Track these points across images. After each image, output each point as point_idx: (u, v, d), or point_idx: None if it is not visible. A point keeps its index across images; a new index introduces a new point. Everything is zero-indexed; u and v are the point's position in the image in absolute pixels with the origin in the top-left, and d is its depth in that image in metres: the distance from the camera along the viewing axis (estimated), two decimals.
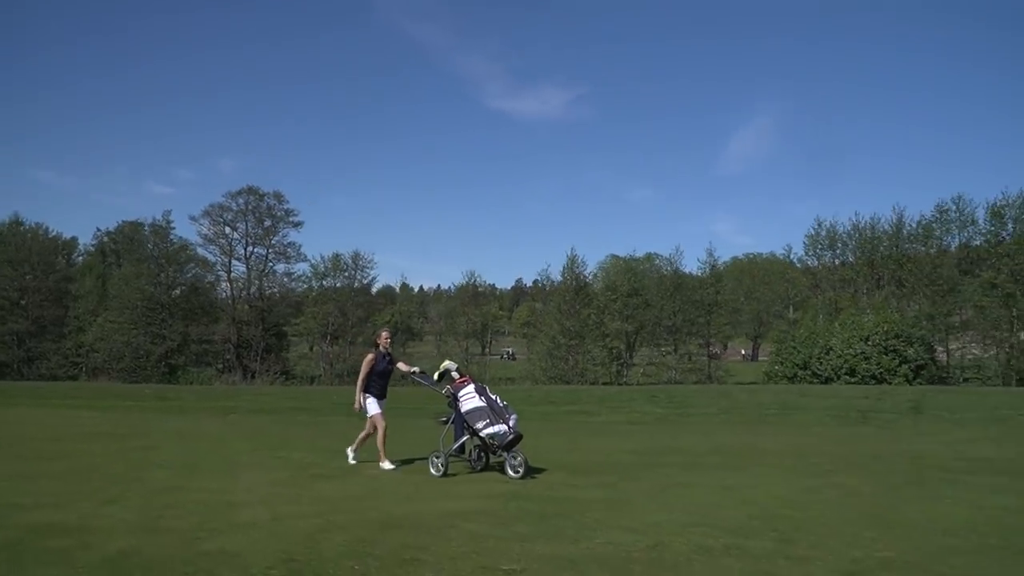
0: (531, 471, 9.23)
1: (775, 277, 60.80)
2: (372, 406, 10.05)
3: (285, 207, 63.47)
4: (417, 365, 11.06)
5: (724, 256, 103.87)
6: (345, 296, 60.53)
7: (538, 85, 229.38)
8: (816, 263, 55.58)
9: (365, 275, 63.23)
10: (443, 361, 10.29)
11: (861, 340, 46.32)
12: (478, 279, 65.99)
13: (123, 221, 78.86)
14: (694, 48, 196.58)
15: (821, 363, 47.63)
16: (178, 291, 63.24)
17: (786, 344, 51.38)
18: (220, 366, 60.16)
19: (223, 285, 64.12)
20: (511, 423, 9.11)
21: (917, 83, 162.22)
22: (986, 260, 48.33)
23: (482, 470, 9.72)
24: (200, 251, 63.47)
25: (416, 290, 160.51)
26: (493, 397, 9.34)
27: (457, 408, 9.45)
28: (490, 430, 9.11)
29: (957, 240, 50.65)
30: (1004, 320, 46.20)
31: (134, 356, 57.80)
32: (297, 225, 63.82)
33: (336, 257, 62.75)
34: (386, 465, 9.93)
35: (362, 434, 10.49)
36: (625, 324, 55.63)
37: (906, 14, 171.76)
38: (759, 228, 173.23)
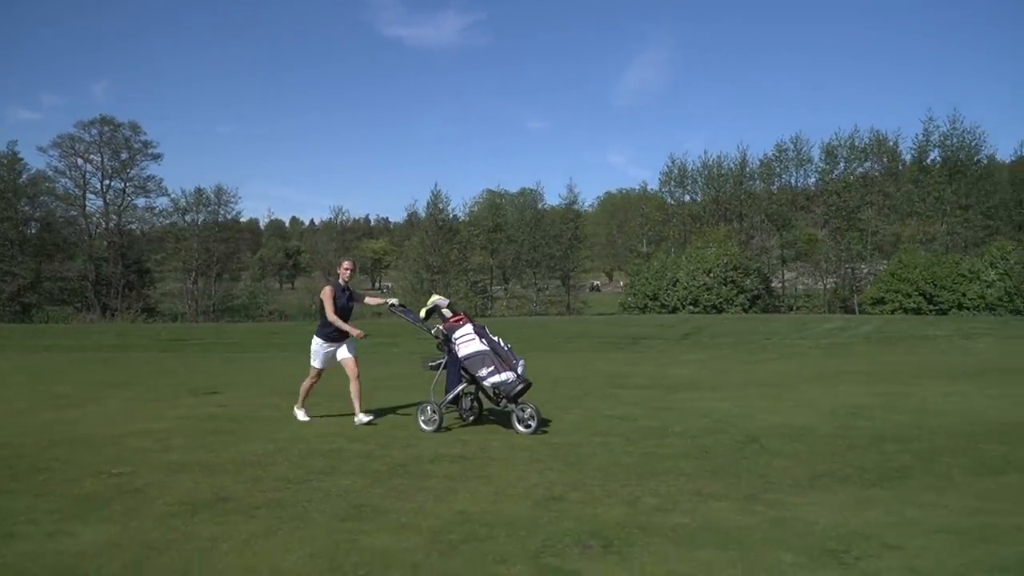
0: (543, 423, 8.09)
1: (635, 212, 63.27)
2: (317, 358, 8.86)
3: (143, 138, 61.24)
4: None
5: (611, 188, 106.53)
6: (207, 231, 59.35)
7: (433, 11, 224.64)
8: (670, 199, 58.12)
9: (229, 209, 62.04)
10: (431, 297, 8.78)
11: (704, 272, 49.28)
12: (345, 213, 65.61)
13: None
14: None
15: (668, 294, 50.51)
16: (28, 227, 60.52)
17: (639, 276, 54.08)
18: (78, 304, 58.52)
19: (78, 220, 61.53)
20: (519, 370, 8.04)
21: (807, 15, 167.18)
22: (819, 196, 51.84)
23: (474, 421, 8.63)
24: (51, 185, 60.67)
25: (307, 223, 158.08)
26: (495, 339, 8.22)
27: (451, 351, 8.26)
28: (495, 378, 7.94)
29: (795, 177, 53.96)
30: (832, 253, 49.94)
31: None
32: (156, 157, 61.80)
33: (199, 191, 61.46)
34: (303, 416, 8.97)
35: (354, 387, 8.79)
36: (489, 259, 57.10)
37: None
38: (652, 161, 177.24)
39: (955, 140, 47.55)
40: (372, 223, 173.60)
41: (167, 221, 63.15)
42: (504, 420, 8.35)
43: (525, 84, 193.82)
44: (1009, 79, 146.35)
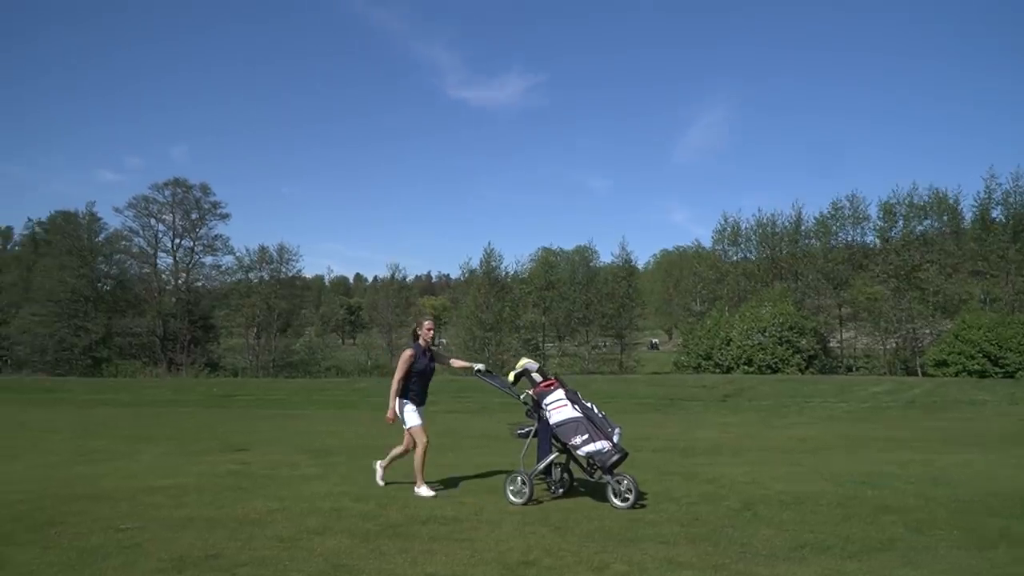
0: (641, 496, 7.55)
1: (689, 270, 62.98)
2: (411, 415, 8.21)
3: (212, 199, 63.90)
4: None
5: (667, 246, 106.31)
6: (269, 289, 61.22)
7: (497, 74, 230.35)
8: (723, 257, 57.71)
9: (291, 267, 63.95)
10: (520, 361, 8.28)
11: (758, 331, 48.51)
12: (402, 271, 66.95)
13: (56, 211, 78.41)
14: (652, 38, 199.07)
15: (722, 353, 49.78)
16: (103, 284, 63.47)
17: (692, 335, 53.52)
18: (146, 359, 60.69)
19: (150, 278, 64.18)
20: (615, 438, 7.54)
21: (873, 80, 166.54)
22: (878, 255, 50.81)
23: (564, 494, 8.02)
24: (126, 244, 63.70)
25: (370, 280, 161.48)
26: (589, 405, 7.75)
27: (541, 418, 7.81)
28: (590, 447, 7.44)
29: (851, 235, 53.09)
30: (891, 313, 48.70)
31: (57, 349, 58.09)
32: (224, 217, 64.35)
33: (262, 249, 63.62)
34: (423, 491, 8.16)
35: (398, 449, 8.62)
36: (542, 316, 57.34)
37: (858, 15, 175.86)
38: (714, 218, 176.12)
39: (1018, 198, 46.32)
40: (434, 279, 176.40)
41: (232, 278, 65.42)
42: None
43: (586, 143, 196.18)
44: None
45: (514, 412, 9.00)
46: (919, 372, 47.14)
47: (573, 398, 7.74)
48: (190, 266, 64.13)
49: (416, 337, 8.47)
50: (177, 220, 63.26)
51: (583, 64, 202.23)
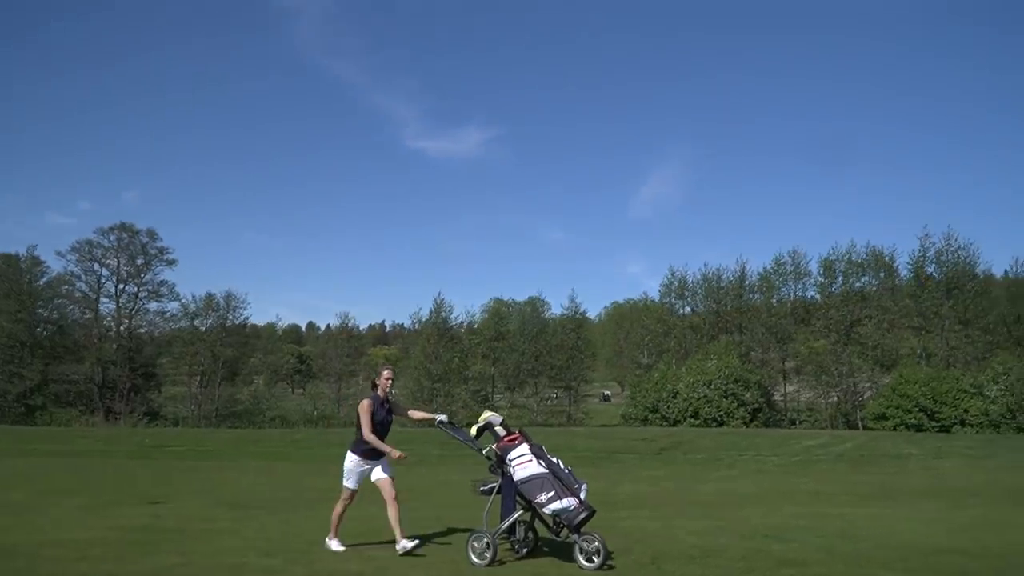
0: (609, 556, 7.22)
1: (636, 323, 63.70)
2: (349, 473, 8.10)
3: (158, 244, 62.97)
4: None
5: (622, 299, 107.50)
6: (214, 336, 60.22)
7: (456, 126, 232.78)
8: (671, 311, 58.47)
9: (238, 315, 63.03)
10: (483, 414, 8.15)
11: (704, 384, 49.07)
12: (351, 320, 66.43)
13: None
14: (607, 92, 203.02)
15: (669, 406, 50.16)
16: (42, 329, 61.81)
17: (639, 388, 53.90)
18: (82, 407, 58.91)
19: (91, 323, 62.65)
20: (582, 495, 7.29)
21: (830, 130, 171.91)
22: (819, 310, 52.07)
23: (528, 553, 7.71)
24: (68, 288, 62.25)
25: (323, 329, 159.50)
26: (554, 460, 7.51)
27: (505, 474, 7.55)
28: (555, 505, 7.17)
29: (793, 291, 54.40)
30: (832, 367, 49.77)
31: None
32: (171, 263, 63.38)
33: (209, 296, 62.60)
34: (337, 545, 8.10)
35: (391, 511, 8.05)
36: (491, 367, 57.30)
37: (812, 64, 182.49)
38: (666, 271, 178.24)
39: (950, 256, 48.07)
40: (387, 329, 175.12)
41: (177, 325, 64.14)
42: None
43: (543, 196, 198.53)
44: (1000, 195, 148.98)
45: (479, 465, 8.47)
46: (860, 425, 48.04)
47: (538, 453, 7.51)
48: (133, 312, 62.81)
49: (374, 387, 8.23)
50: (121, 265, 62.14)
51: (542, 117, 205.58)
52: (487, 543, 7.32)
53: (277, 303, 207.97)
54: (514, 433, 7.80)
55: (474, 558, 7.35)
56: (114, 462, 20.47)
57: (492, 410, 8.40)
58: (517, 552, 7.69)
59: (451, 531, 9.15)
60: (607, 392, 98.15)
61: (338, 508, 8.11)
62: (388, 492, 7.98)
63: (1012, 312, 47.59)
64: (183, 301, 62.71)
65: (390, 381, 8.21)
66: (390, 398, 8.23)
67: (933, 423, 43.14)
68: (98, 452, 24.27)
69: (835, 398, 51.67)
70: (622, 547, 8.26)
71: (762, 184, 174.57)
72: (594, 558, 7.05)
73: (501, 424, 7.90)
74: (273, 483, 15.02)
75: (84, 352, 61.45)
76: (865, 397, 49.89)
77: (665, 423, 49.13)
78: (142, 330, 63.62)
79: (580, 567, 7.09)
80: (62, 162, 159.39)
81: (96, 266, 61.70)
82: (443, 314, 55.62)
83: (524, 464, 7.40)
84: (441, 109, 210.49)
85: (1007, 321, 47.54)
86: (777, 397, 53.63)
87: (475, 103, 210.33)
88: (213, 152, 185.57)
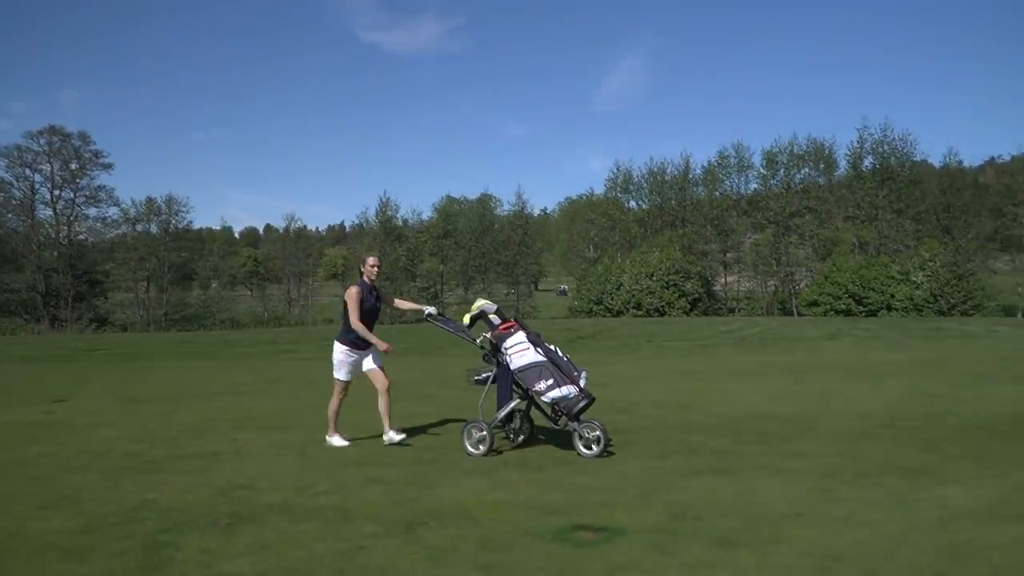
0: (608, 444, 7.03)
1: (582, 218, 64.28)
2: (340, 365, 7.81)
3: (92, 148, 61.31)
4: None
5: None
6: (158, 241, 59.59)
7: (412, 15, 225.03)
8: (625, 206, 58.99)
9: (181, 219, 62.23)
10: (476, 302, 7.74)
11: (647, 276, 50.21)
12: (297, 221, 65.98)
13: None
14: None
15: (613, 298, 51.36)
16: None
17: (585, 281, 54.93)
18: (27, 316, 58.42)
19: (28, 231, 61.39)
20: (581, 382, 7.07)
21: (788, 25, 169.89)
22: (759, 203, 52.98)
23: (523, 442, 7.55)
24: (1, 196, 60.59)
25: (282, 230, 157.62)
26: (552, 348, 7.27)
27: (501, 363, 7.31)
28: (555, 393, 6.91)
29: (736, 183, 55.11)
30: (770, 257, 51.10)
31: None
32: (107, 167, 61.93)
33: (150, 201, 61.68)
34: (339, 441, 7.80)
35: (382, 402, 7.75)
36: (440, 265, 57.73)
37: None
38: (632, 165, 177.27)
39: (887, 147, 48.88)
40: (347, 229, 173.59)
41: (117, 231, 63.25)
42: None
43: (505, 90, 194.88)
44: (940, 86, 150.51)
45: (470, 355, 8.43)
46: (795, 312, 49.79)
47: (535, 340, 7.21)
48: (72, 218, 61.70)
49: (360, 274, 7.90)
50: (55, 170, 60.62)
51: (503, 5, 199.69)
52: (483, 432, 7.13)
53: (233, 206, 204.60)
54: (509, 321, 7.47)
55: (470, 448, 7.15)
56: (36, 366, 20.64)
57: (485, 298, 7.90)
58: (512, 441, 7.51)
59: (445, 421, 9.04)
60: (563, 287, 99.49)
61: (333, 403, 7.83)
62: (380, 382, 7.72)
63: (943, 201, 48.86)
64: (123, 206, 61.66)
65: (376, 268, 7.91)
66: (376, 286, 7.92)
67: (861, 308, 44.90)
68: (29, 357, 24.38)
69: (773, 287, 53.31)
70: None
71: (727, 76, 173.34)
72: (593, 445, 6.89)
73: (495, 312, 7.53)
74: (182, 380, 15.41)
75: (23, 261, 60.51)
76: (801, 286, 51.49)
77: (609, 314, 50.40)
78: (82, 236, 62.61)
79: (579, 454, 6.92)
80: None
81: (28, 172, 60.03)
82: (388, 213, 55.56)
83: (521, 352, 7.14)
84: None
85: (937, 210, 48.85)
86: (718, 287, 55.08)
87: None
88: (157, 50, 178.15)
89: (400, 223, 56.46)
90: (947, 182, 49.64)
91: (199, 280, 73.75)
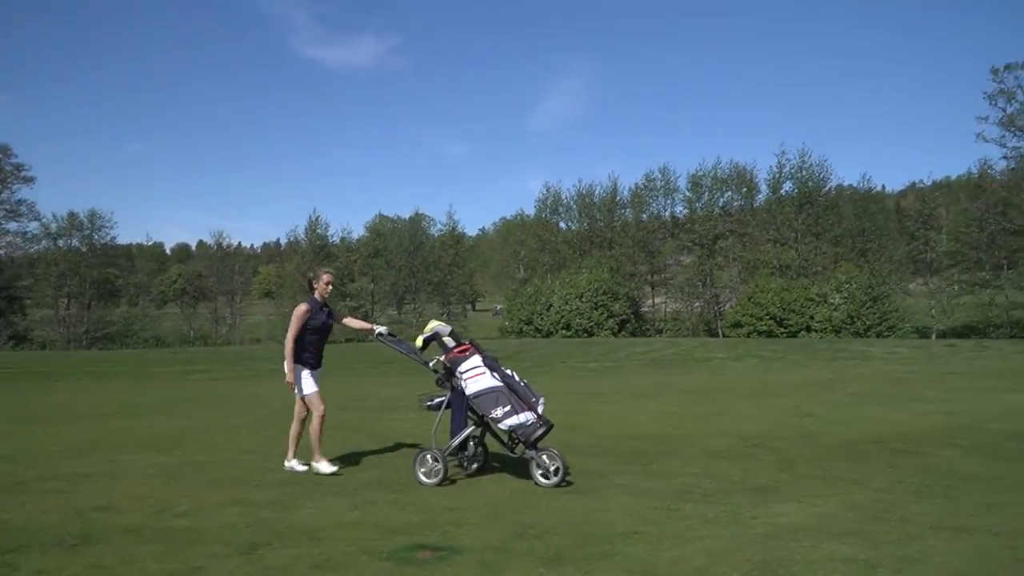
0: (567, 473, 6.73)
1: (513, 239, 64.73)
2: (306, 381, 7.36)
3: (14, 161, 59.32)
4: None
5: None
6: (79, 257, 57.87)
7: (351, 33, 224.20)
8: (558, 227, 59.65)
9: (103, 234, 60.52)
10: (428, 323, 7.43)
11: (576, 297, 50.73)
12: (226, 239, 64.66)
13: None
14: (507, 4, 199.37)
15: (542, 319, 51.71)
16: None
17: (515, 301, 55.20)
18: None
19: None
20: (539, 409, 6.80)
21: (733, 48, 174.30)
22: (685, 225, 54.20)
23: (477, 470, 7.30)
24: None
25: (224, 246, 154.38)
26: (509, 373, 7.01)
27: (455, 388, 7.06)
28: (512, 420, 6.66)
29: (663, 206, 56.28)
30: (696, 279, 52.25)
31: None
32: (28, 180, 59.89)
33: (71, 215, 59.84)
34: (323, 466, 7.33)
35: (294, 425, 7.57)
36: (371, 284, 57.39)
37: None
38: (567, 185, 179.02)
39: (804, 173, 50.56)
40: (282, 247, 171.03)
41: (38, 246, 61.28)
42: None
43: (443, 109, 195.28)
44: (855, 111, 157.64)
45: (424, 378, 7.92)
46: (720, 333, 50.91)
47: (491, 365, 6.95)
48: None
49: (311, 289, 7.57)
50: None
51: (442, 26, 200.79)
52: (434, 461, 6.84)
53: (165, 221, 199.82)
54: (464, 344, 7.15)
55: (423, 477, 6.85)
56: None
57: (438, 320, 7.59)
58: (466, 469, 7.24)
59: (397, 447, 8.83)
60: (499, 306, 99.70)
61: (314, 424, 7.38)
62: (301, 410, 7.52)
63: (857, 225, 50.72)
64: (44, 220, 59.75)
65: (329, 286, 7.58)
66: (328, 304, 7.65)
67: (782, 329, 46.13)
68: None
69: (699, 308, 54.43)
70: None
71: (663, 99, 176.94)
72: (551, 475, 6.68)
73: (450, 335, 7.23)
74: (81, 400, 15.05)
75: None
76: (726, 307, 52.69)
77: (539, 335, 50.73)
78: (1, 251, 60.45)
79: (536, 483, 6.69)
80: None
81: None
82: (319, 231, 55.12)
83: (477, 377, 6.87)
84: (336, 15, 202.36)
85: (853, 233, 50.67)
86: (645, 309, 55.98)
87: (372, 8, 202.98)
88: (87, 59, 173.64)
89: (331, 241, 55.95)
90: (862, 206, 51.61)
91: (127, 298, 71.77)
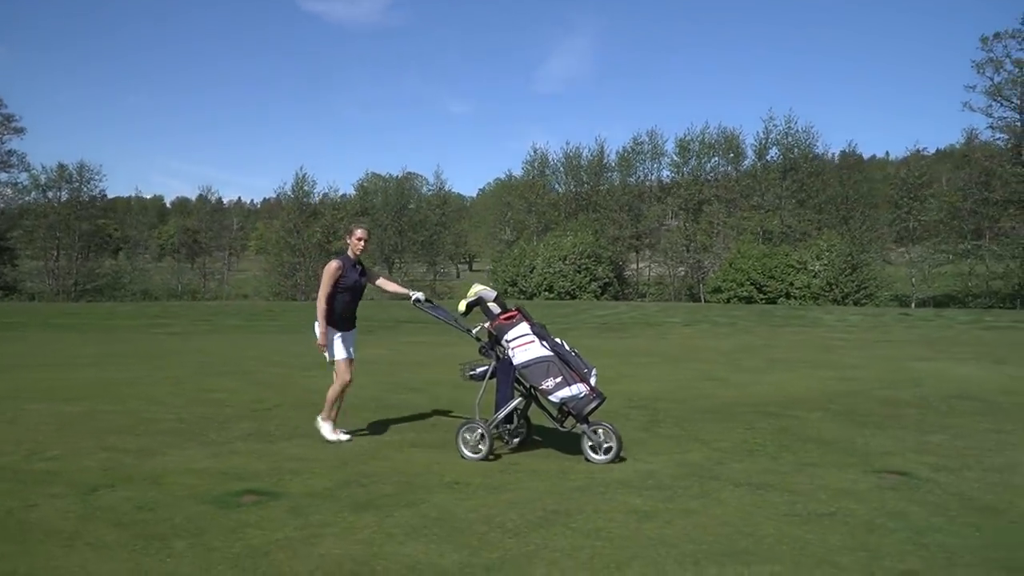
0: (621, 448, 6.31)
1: (498, 201, 64.87)
2: (337, 345, 6.99)
3: (4, 111, 59.28)
4: None
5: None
6: (68, 209, 58.13)
7: None
8: (547, 187, 59.73)
9: (92, 187, 60.69)
10: (472, 287, 6.92)
11: (560, 259, 51.06)
12: (213, 192, 64.96)
13: None
14: None
15: (526, 280, 52.11)
16: None
17: (500, 263, 55.57)
18: None
19: None
20: (592, 380, 6.39)
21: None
22: (671, 189, 54.29)
23: (519, 444, 6.94)
24: None
25: (214, 201, 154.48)
26: (558, 341, 6.56)
27: (500, 357, 6.64)
28: (564, 392, 6.25)
29: (650, 170, 56.33)
30: (680, 243, 52.50)
31: None
32: (19, 131, 59.88)
33: (61, 167, 60.00)
34: (325, 429, 7.11)
35: (332, 390, 7.12)
36: None
37: None
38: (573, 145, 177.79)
39: (790, 139, 50.57)
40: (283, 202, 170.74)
41: (27, 197, 61.51)
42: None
43: (448, 66, 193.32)
44: (842, 79, 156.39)
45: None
46: (702, 298, 51.31)
47: (541, 333, 6.52)
48: None
49: (346, 247, 7.13)
50: None
51: None
52: (481, 434, 6.44)
53: (166, 174, 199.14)
54: (511, 310, 6.71)
55: (466, 451, 6.47)
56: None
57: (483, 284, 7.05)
58: (507, 442, 6.89)
59: (435, 413, 8.65)
60: (491, 267, 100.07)
61: (334, 388, 7.07)
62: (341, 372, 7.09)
63: (842, 192, 50.80)
64: (33, 172, 59.91)
65: (363, 242, 7.10)
66: (361, 261, 7.19)
67: (761, 295, 46.52)
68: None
69: (683, 273, 54.78)
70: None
71: (671, 58, 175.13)
72: (605, 448, 6.29)
73: (495, 300, 6.75)
74: (28, 351, 15.44)
75: None
76: (710, 273, 53.04)
77: (523, 297, 51.15)
78: None
79: (588, 459, 6.31)
80: None
81: None
82: (305, 188, 55.24)
83: (525, 346, 6.44)
84: None
85: (836, 201, 50.78)
86: (629, 273, 56.34)
87: None
88: (89, 11, 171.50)
89: (317, 200, 56.11)
90: (847, 173, 51.66)
91: (125, 251, 72.27)
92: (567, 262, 50.78)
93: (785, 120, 51.15)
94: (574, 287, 50.54)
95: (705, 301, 49.53)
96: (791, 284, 46.35)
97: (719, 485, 5.62)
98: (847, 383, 10.79)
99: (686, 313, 26.86)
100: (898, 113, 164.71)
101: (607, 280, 51.63)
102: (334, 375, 7.07)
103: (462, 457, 6.42)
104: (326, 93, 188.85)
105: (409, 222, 56.66)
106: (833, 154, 54.57)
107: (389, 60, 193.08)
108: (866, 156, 57.55)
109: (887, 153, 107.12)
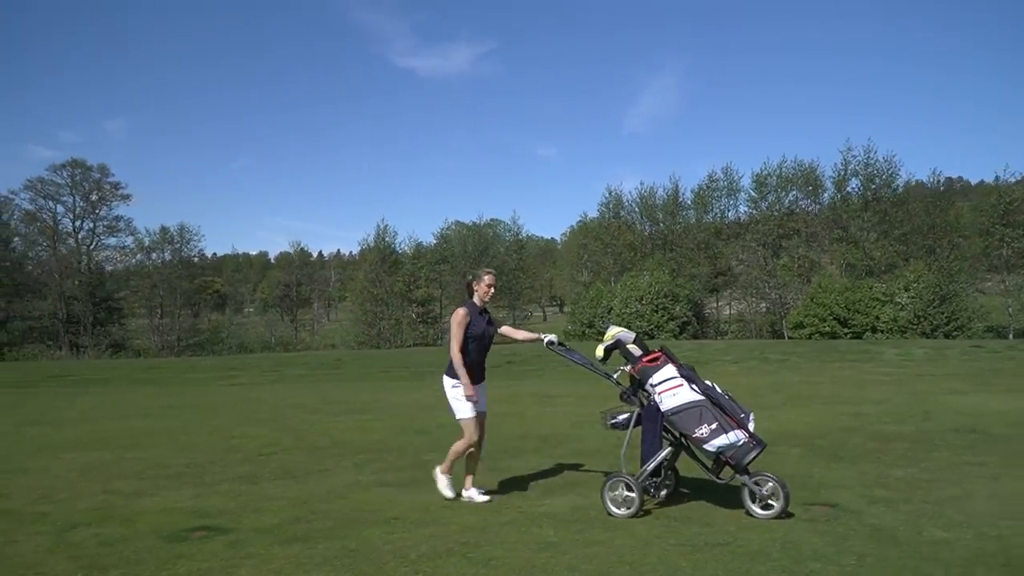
0: (788, 502, 5.68)
1: (575, 243, 65.23)
2: (461, 405, 6.55)
3: (111, 180, 64.10)
4: None
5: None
6: (169, 269, 61.96)
7: (445, 41, 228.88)
8: (630, 227, 59.81)
9: (192, 247, 64.60)
10: (609, 330, 6.59)
11: (636, 300, 50.92)
12: (303, 245, 68.04)
13: None
14: (600, 2, 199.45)
15: (604, 321, 52.08)
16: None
17: (578, 304, 55.80)
18: (49, 343, 61.02)
19: (49, 260, 64.30)
20: (750, 426, 5.91)
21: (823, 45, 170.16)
22: (749, 225, 53.52)
23: (666, 497, 6.46)
24: (23, 228, 63.67)
25: (315, 255, 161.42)
26: (709, 384, 6.07)
27: (644, 403, 6.20)
28: (720, 440, 5.75)
29: (726, 206, 55.72)
30: (760, 280, 51.53)
31: None
32: (126, 198, 64.67)
33: (163, 230, 64.19)
34: (441, 482, 6.75)
35: (458, 445, 6.70)
36: (438, 289, 59.10)
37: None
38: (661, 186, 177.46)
39: (870, 169, 49.23)
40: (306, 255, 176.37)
41: (133, 259, 65.91)
42: None
43: (536, 112, 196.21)
44: (925, 106, 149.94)
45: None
46: (784, 335, 50.04)
47: (689, 375, 6.03)
48: (91, 248, 64.52)
49: (471, 294, 6.72)
50: (77, 201, 63.56)
51: (533, 31, 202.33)
52: (627, 488, 5.98)
53: (272, 230, 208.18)
54: (654, 352, 6.29)
55: (613, 508, 6.00)
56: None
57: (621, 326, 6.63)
58: (654, 496, 6.37)
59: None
60: (569, 309, 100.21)
61: (459, 444, 6.65)
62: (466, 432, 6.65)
63: (927, 222, 48.94)
64: (138, 236, 64.22)
65: (491, 289, 6.68)
66: (488, 310, 6.79)
67: (846, 330, 45.07)
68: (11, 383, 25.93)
69: (764, 309, 53.63)
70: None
71: (757, 95, 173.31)
72: (772, 503, 5.69)
73: (635, 342, 6.43)
74: (98, 405, 16.64)
75: (45, 289, 63.26)
76: (789, 308, 51.77)
77: (599, 339, 51.14)
78: (103, 266, 65.34)
79: (750, 514, 5.75)
80: (41, 93, 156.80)
81: (51, 203, 63.00)
82: (386, 239, 57.18)
83: (673, 390, 5.96)
84: (429, 24, 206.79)
85: (922, 231, 48.96)
86: (709, 310, 55.54)
87: (464, 16, 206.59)
88: (196, 79, 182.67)
89: (398, 250, 57.99)
90: (931, 202, 49.69)
91: (232, 305, 76.36)
92: (644, 302, 50.57)
93: (864, 150, 49.91)
94: (652, 327, 50.21)
95: (788, 337, 48.31)
96: (877, 318, 44.77)
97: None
98: (854, 419, 10.63)
99: (743, 350, 26.40)
100: (984, 135, 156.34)
101: (685, 319, 51.05)
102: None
103: (609, 514, 5.96)
104: (419, 145, 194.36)
105: (491, 266, 57.73)
106: (918, 181, 52.67)
107: (478, 110, 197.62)
108: (952, 179, 55.51)
109: (996, 177, 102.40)
